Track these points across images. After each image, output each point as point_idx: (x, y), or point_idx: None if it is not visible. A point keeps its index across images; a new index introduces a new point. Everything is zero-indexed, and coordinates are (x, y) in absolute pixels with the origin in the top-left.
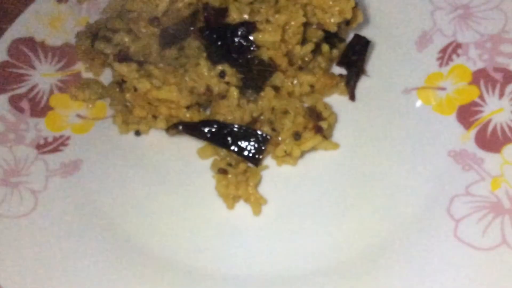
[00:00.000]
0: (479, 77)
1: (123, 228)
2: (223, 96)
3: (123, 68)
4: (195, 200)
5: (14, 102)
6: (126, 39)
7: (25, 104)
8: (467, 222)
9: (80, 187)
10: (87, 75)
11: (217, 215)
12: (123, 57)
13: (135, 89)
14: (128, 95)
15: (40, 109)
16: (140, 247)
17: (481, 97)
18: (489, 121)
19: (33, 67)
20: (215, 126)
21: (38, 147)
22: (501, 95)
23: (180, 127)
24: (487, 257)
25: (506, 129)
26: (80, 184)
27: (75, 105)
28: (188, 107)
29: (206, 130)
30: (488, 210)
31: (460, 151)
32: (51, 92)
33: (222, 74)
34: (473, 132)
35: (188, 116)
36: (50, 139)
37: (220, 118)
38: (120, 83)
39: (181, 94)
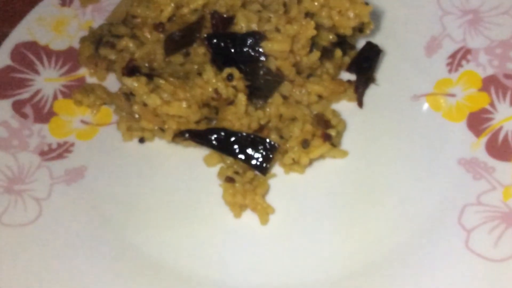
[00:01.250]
0: (489, 83)
1: (128, 236)
2: (230, 101)
3: (132, 83)
4: (201, 208)
5: (18, 107)
6: (131, 45)
7: (28, 110)
8: (479, 233)
9: (84, 194)
10: (92, 80)
11: (223, 224)
12: (131, 69)
13: (145, 104)
14: (136, 108)
15: (43, 114)
16: (145, 255)
17: (491, 104)
18: (500, 129)
19: (36, 72)
20: (222, 133)
21: (42, 153)
22: None
23: (187, 135)
24: (500, 268)
25: None
26: (84, 191)
27: (79, 110)
28: (197, 122)
29: (213, 138)
30: (500, 220)
31: (471, 159)
32: (55, 98)
33: (229, 77)
34: (483, 140)
35: None
36: (54, 146)
37: (227, 125)
38: (127, 94)
39: (190, 109)
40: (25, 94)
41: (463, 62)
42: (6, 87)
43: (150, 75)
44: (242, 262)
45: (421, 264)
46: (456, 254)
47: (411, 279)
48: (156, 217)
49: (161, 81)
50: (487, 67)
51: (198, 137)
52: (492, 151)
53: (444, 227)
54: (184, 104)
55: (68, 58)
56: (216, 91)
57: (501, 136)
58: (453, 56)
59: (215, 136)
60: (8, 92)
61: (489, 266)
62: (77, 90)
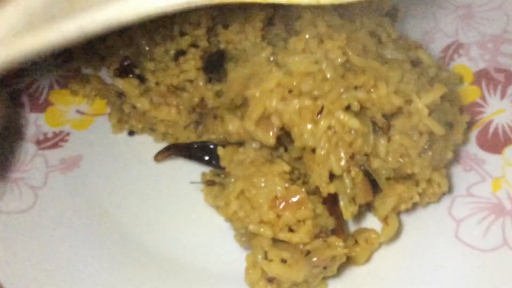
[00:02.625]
0: (481, 77)
1: (123, 224)
2: (215, 116)
3: (123, 84)
4: (197, 197)
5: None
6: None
7: (24, 99)
8: (468, 223)
9: (80, 183)
10: (87, 70)
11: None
12: (124, 70)
13: (134, 107)
14: (125, 107)
15: (39, 104)
16: (140, 243)
17: (482, 97)
18: (490, 122)
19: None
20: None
21: (38, 142)
22: (503, 96)
23: (171, 151)
24: (488, 258)
25: (508, 130)
26: (80, 180)
27: (75, 100)
28: (185, 126)
29: (201, 154)
30: (489, 211)
31: (461, 151)
32: (50, 87)
33: (219, 94)
34: (474, 132)
35: (184, 134)
36: (49, 135)
37: (212, 136)
38: (119, 92)
39: (179, 115)
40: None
41: (455, 56)
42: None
43: (142, 77)
44: (237, 251)
45: (411, 253)
46: (446, 243)
47: (401, 267)
48: (150, 205)
49: (152, 84)
50: (479, 61)
51: (185, 151)
52: (483, 143)
53: (435, 217)
54: (173, 110)
55: (64, 49)
56: (202, 99)
57: (491, 129)
58: (445, 50)
59: (203, 153)
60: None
61: (477, 256)
62: (73, 80)
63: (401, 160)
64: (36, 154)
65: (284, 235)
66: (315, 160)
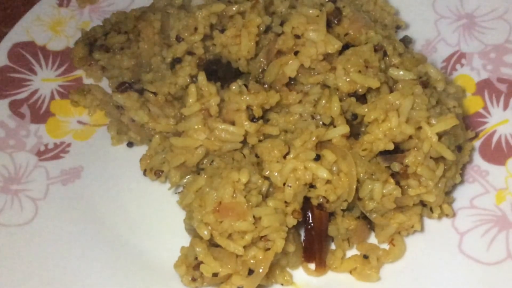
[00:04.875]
0: (483, 87)
1: (123, 235)
2: None
3: (122, 100)
4: None
5: (14, 107)
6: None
7: (25, 110)
8: (472, 236)
9: (80, 194)
10: (88, 80)
11: None
12: (124, 89)
13: (133, 120)
14: (124, 119)
15: (40, 115)
16: (141, 254)
17: (485, 108)
18: (493, 133)
19: (33, 72)
20: None
21: (39, 153)
22: (506, 106)
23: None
24: (492, 271)
25: (511, 141)
26: (80, 191)
27: (76, 111)
28: None
29: None
30: (493, 224)
31: (465, 162)
32: (51, 98)
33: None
34: (477, 143)
35: None
36: (50, 146)
37: None
38: (118, 106)
39: (177, 126)
40: (22, 94)
41: (457, 66)
42: (3, 87)
43: (141, 90)
44: None
45: (415, 266)
46: (450, 256)
47: (405, 280)
48: (151, 215)
49: (151, 95)
50: (481, 71)
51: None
52: (486, 155)
53: (438, 230)
54: (171, 121)
55: (65, 59)
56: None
57: (494, 140)
58: (447, 60)
59: None
60: (5, 92)
61: (481, 269)
62: (74, 91)
63: (418, 191)
64: (36, 165)
65: (221, 241)
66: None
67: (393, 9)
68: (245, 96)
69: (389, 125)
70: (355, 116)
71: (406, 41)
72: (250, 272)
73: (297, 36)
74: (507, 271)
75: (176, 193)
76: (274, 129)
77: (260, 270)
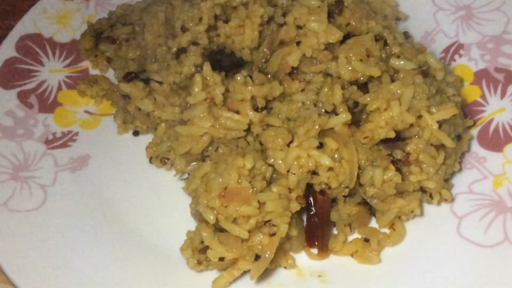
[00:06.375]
0: (481, 77)
1: (131, 222)
2: None
3: (129, 88)
4: None
5: (23, 97)
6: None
7: (33, 100)
8: (470, 220)
9: (88, 182)
10: (95, 71)
11: None
12: (131, 79)
13: (139, 109)
14: (130, 108)
15: (48, 105)
16: (148, 240)
17: (483, 97)
18: (491, 121)
19: (41, 63)
20: None
21: (47, 142)
22: (503, 95)
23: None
24: (490, 254)
25: (508, 129)
26: (88, 179)
27: (83, 101)
28: None
29: None
30: (491, 208)
31: (463, 151)
32: (59, 88)
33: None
34: (475, 131)
35: None
36: (58, 135)
37: None
38: (124, 94)
39: (183, 114)
40: (30, 85)
41: (456, 57)
42: (11, 77)
43: (147, 80)
44: None
45: (414, 249)
46: (448, 239)
47: (404, 263)
48: (158, 203)
49: (156, 85)
50: (479, 61)
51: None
52: (484, 142)
53: (437, 214)
54: (177, 110)
55: (72, 50)
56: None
57: (492, 128)
58: (446, 50)
59: None
60: (13, 82)
61: (479, 251)
62: (81, 81)
63: (419, 177)
64: (45, 153)
65: (226, 225)
66: None
67: (394, 1)
68: (249, 87)
69: (391, 114)
70: (356, 104)
71: (406, 36)
72: (257, 257)
73: (299, 27)
74: (503, 253)
75: (181, 179)
76: (277, 120)
77: (267, 255)
